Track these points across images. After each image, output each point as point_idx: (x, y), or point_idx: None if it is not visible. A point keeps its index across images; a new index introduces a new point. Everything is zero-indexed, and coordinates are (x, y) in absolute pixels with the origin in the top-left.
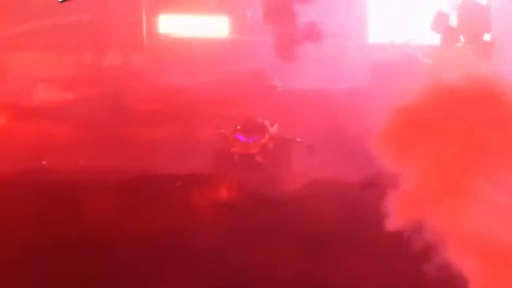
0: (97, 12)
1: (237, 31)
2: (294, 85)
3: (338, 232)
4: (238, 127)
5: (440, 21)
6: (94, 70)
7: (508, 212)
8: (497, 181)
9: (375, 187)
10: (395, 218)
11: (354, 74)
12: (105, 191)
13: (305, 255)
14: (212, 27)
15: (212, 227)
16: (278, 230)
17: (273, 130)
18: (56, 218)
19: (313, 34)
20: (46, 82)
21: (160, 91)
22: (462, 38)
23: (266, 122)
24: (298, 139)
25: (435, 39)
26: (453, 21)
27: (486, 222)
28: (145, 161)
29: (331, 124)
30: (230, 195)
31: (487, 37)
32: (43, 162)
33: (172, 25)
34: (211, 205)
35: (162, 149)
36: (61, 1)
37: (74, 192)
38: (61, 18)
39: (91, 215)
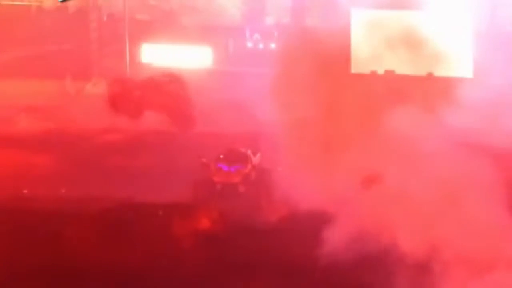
0: (80, 41)
1: (219, 62)
2: (276, 115)
3: (318, 262)
4: (221, 156)
5: None
6: (75, 99)
7: None
8: None
9: None
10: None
11: (337, 104)
12: (86, 219)
13: (285, 284)
14: (195, 57)
15: (193, 256)
16: (259, 260)
17: (256, 159)
18: (36, 246)
19: None
20: (28, 111)
21: (142, 120)
22: None
23: (249, 152)
24: (280, 169)
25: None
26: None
27: None
28: (126, 190)
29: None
30: (211, 224)
31: None
32: (25, 191)
33: (155, 54)
34: (192, 234)
35: (143, 178)
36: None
37: (54, 220)
38: (43, 47)
39: (71, 243)
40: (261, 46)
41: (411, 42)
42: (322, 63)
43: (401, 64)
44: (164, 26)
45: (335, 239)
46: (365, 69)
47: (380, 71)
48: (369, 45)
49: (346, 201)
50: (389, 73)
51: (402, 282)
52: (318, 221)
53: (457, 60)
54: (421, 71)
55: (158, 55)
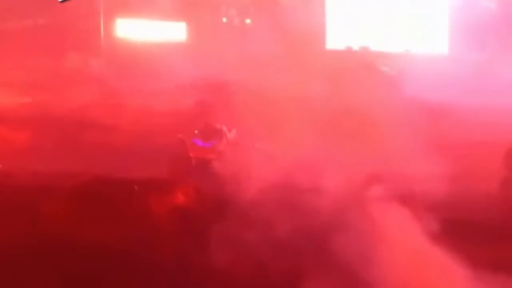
0: (54, 16)
1: (195, 36)
2: (252, 90)
3: (296, 238)
4: (196, 132)
5: None
6: (52, 74)
7: None
8: None
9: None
10: None
11: (312, 81)
12: (62, 196)
13: (263, 261)
14: (170, 32)
15: (169, 232)
16: (235, 236)
17: (231, 135)
18: (11, 223)
19: None
20: (2, 86)
21: (118, 96)
22: None
23: (224, 127)
24: (256, 144)
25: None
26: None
27: None
28: (102, 166)
29: None
30: (187, 200)
31: None
32: (0, 166)
33: (130, 29)
34: (168, 209)
35: (119, 154)
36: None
37: (30, 197)
38: (18, 21)
39: (47, 220)
40: (236, 21)
41: (387, 18)
42: (296, 39)
43: (377, 40)
44: (140, 0)
45: (314, 213)
46: (340, 45)
47: (355, 47)
48: (344, 20)
49: (323, 176)
50: (364, 49)
51: None
52: (296, 196)
53: (433, 36)
54: (398, 48)
55: (133, 30)
